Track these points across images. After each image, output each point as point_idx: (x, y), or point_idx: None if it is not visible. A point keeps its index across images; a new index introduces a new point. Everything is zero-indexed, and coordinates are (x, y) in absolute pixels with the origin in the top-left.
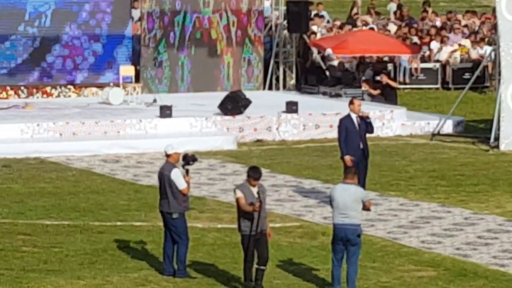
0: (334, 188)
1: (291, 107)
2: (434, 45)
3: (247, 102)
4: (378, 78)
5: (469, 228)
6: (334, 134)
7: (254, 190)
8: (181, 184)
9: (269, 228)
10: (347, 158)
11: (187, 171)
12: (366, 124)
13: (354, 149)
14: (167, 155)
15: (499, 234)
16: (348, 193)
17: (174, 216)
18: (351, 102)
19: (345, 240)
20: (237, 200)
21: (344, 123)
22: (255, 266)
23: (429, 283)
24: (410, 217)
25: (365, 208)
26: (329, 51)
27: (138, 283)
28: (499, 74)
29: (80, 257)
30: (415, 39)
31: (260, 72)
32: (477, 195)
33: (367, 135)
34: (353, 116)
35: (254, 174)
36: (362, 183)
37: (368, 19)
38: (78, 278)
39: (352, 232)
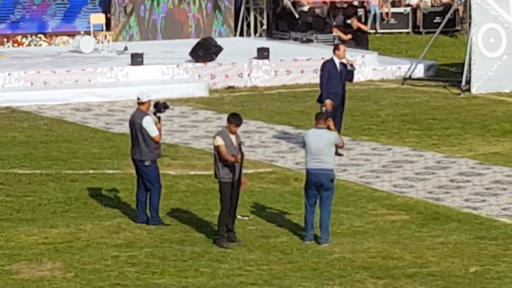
0: (307, 133)
1: (263, 53)
2: None
3: (219, 49)
4: (349, 21)
5: (441, 171)
6: (305, 79)
7: (233, 137)
8: (153, 131)
9: (244, 177)
10: (328, 102)
11: (159, 118)
12: (348, 71)
13: (335, 94)
14: (140, 103)
15: (471, 177)
16: (320, 138)
17: (146, 163)
18: (336, 48)
19: (318, 185)
20: (218, 147)
21: (327, 67)
22: (237, 216)
23: (402, 227)
24: (382, 162)
25: (338, 153)
26: None
27: (111, 231)
28: (470, 18)
29: (53, 206)
30: None
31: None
32: (448, 138)
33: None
34: (337, 61)
35: (235, 120)
36: (338, 128)
37: None
38: (51, 226)
39: (325, 177)
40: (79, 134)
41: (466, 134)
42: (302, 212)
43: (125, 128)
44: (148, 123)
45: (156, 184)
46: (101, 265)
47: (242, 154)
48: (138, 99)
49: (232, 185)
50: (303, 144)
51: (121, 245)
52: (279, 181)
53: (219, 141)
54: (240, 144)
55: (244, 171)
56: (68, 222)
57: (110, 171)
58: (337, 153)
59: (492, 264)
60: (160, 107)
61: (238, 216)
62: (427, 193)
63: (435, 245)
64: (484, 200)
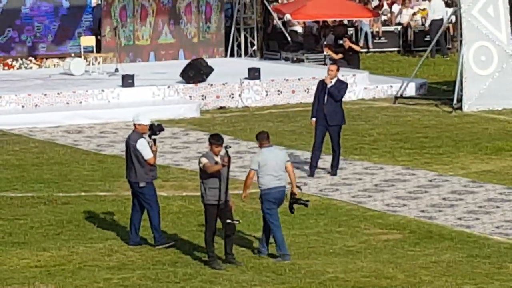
0: (261, 153)
1: (254, 73)
2: (395, 8)
3: (209, 70)
4: (341, 42)
5: (433, 190)
6: (296, 99)
7: (218, 158)
8: (147, 154)
9: (231, 200)
10: (312, 120)
11: (154, 140)
12: (338, 89)
13: (319, 113)
14: (135, 125)
15: (464, 196)
16: (274, 155)
17: (141, 185)
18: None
19: (279, 202)
20: (204, 166)
21: (317, 86)
22: (227, 221)
23: (394, 246)
24: (375, 181)
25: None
26: (288, 16)
27: (104, 253)
28: (461, 36)
29: (45, 229)
30: (375, 2)
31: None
32: (441, 157)
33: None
34: (327, 81)
35: (215, 140)
36: (336, 149)
37: None
38: (43, 249)
39: (283, 193)
40: (71, 156)
41: (459, 152)
42: (295, 232)
43: (117, 150)
44: (142, 145)
45: (153, 204)
46: None
47: (229, 157)
48: (134, 121)
49: (218, 207)
50: (259, 165)
51: (114, 268)
52: None
53: (204, 160)
54: (226, 147)
55: (235, 192)
56: (60, 244)
57: (102, 193)
58: (331, 173)
59: (485, 282)
60: (155, 129)
61: (227, 220)
62: (419, 211)
63: (428, 264)
64: (477, 219)
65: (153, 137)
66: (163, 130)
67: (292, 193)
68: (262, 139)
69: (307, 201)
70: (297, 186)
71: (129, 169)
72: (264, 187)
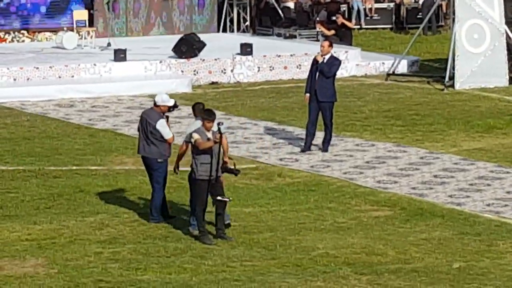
0: (193, 124)
1: (246, 49)
2: None
3: (202, 45)
4: (334, 18)
5: (425, 167)
6: (288, 75)
7: (209, 134)
8: (167, 133)
9: (222, 176)
10: (305, 96)
11: (167, 117)
12: (330, 66)
13: (311, 88)
14: (160, 106)
15: (455, 173)
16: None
17: (159, 160)
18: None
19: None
20: (196, 142)
21: (312, 62)
22: (217, 198)
23: (385, 223)
24: (366, 157)
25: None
26: None
27: (95, 227)
28: (453, 13)
29: (35, 202)
30: None
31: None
32: (432, 134)
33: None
34: (318, 57)
35: (208, 116)
36: (328, 124)
37: None
38: (34, 223)
39: None
40: (62, 130)
41: (450, 129)
42: (286, 208)
43: (108, 124)
44: (162, 125)
45: (162, 183)
46: (84, 261)
47: (221, 134)
48: (154, 101)
49: (209, 183)
50: (189, 137)
51: (104, 242)
52: (262, 177)
53: (196, 136)
54: (218, 123)
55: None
56: (51, 218)
57: (93, 167)
58: (322, 149)
59: (475, 260)
60: (172, 108)
61: (218, 197)
62: (410, 189)
63: (418, 241)
64: (468, 196)
65: (166, 114)
66: (177, 107)
67: (224, 162)
68: (199, 111)
69: (238, 170)
70: (229, 157)
71: (146, 145)
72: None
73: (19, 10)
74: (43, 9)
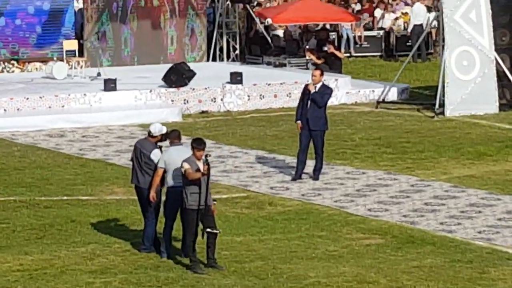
0: (167, 151)
1: (236, 77)
2: (378, 12)
3: (192, 74)
4: (325, 48)
5: (415, 195)
6: (278, 104)
7: (200, 164)
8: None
9: (214, 205)
10: (297, 123)
11: (160, 148)
12: (322, 95)
13: (302, 116)
14: (151, 136)
15: (445, 200)
16: (179, 153)
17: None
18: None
19: (179, 201)
20: (185, 172)
21: (303, 90)
22: (207, 230)
23: (376, 251)
24: (357, 185)
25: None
26: (268, 20)
27: (86, 257)
28: (443, 40)
29: (27, 233)
30: (358, 7)
31: (204, 40)
32: (423, 161)
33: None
34: (310, 87)
35: (198, 145)
36: (319, 154)
37: None
38: (25, 253)
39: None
40: (53, 160)
41: (441, 157)
42: (277, 237)
43: (99, 154)
44: (156, 156)
45: (154, 213)
46: None
47: (209, 165)
48: (150, 132)
49: (198, 212)
50: (165, 164)
51: (96, 272)
52: (253, 206)
53: (186, 166)
54: (206, 155)
55: (217, 196)
56: (43, 248)
57: (84, 197)
58: (313, 177)
59: (468, 287)
60: (166, 137)
61: (207, 229)
62: (402, 216)
63: (410, 268)
64: (459, 223)
65: (159, 144)
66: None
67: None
68: (173, 137)
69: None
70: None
71: (140, 175)
72: (168, 185)
73: (9, 40)
74: (33, 39)
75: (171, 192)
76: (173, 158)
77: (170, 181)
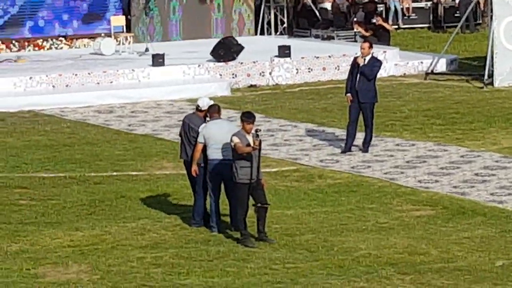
0: (206, 126)
1: (284, 51)
2: None
3: (240, 48)
4: (373, 21)
5: (466, 165)
6: (327, 76)
7: (249, 137)
8: None
9: (264, 178)
10: (347, 96)
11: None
12: (371, 68)
13: (352, 89)
14: (199, 110)
15: (496, 171)
16: (219, 127)
17: (202, 165)
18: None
19: (222, 174)
20: (235, 145)
21: (352, 62)
22: (257, 205)
23: (427, 222)
24: (407, 157)
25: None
26: None
27: (136, 233)
28: (491, 11)
29: (77, 209)
30: None
31: (252, 23)
32: (472, 132)
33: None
34: (359, 60)
35: (247, 118)
36: (369, 125)
37: None
38: (76, 229)
39: (227, 166)
40: (102, 136)
41: (490, 127)
42: (328, 209)
43: (148, 129)
44: None
45: (203, 188)
46: (127, 267)
47: (260, 141)
48: (198, 106)
49: (250, 186)
50: (203, 138)
51: (147, 247)
52: (303, 179)
53: (235, 140)
54: (256, 130)
55: (267, 170)
56: (93, 224)
57: (134, 173)
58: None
59: None
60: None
61: (258, 205)
62: (452, 187)
63: (461, 239)
64: (510, 194)
65: (207, 119)
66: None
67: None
68: (212, 111)
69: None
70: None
71: (189, 149)
72: (208, 158)
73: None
74: (80, 16)
75: (212, 165)
76: (212, 132)
77: (210, 154)
